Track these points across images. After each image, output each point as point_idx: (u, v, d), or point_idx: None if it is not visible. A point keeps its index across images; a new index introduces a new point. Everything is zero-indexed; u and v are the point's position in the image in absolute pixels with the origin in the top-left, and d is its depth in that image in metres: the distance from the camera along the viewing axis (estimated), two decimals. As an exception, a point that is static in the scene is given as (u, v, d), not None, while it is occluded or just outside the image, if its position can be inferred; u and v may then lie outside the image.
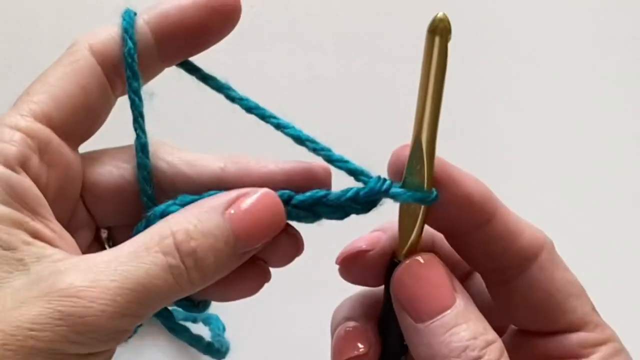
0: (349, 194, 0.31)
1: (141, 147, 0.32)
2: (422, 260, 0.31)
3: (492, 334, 0.30)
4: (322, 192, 0.32)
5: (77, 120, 0.31)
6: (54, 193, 0.30)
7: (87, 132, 0.32)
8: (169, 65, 0.33)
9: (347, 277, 0.35)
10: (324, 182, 0.33)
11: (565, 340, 0.33)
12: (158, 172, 0.33)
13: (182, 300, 0.34)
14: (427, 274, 0.31)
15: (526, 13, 0.58)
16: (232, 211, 0.30)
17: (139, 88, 0.32)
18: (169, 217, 0.30)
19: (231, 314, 0.50)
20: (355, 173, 0.32)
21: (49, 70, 0.31)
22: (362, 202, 0.31)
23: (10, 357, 0.26)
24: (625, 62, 0.58)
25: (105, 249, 0.35)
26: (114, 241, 0.35)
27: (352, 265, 0.34)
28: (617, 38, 0.58)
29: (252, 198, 0.30)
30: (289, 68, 0.55)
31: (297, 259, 0.34)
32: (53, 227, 0.29)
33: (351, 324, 0.33)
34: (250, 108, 0.33)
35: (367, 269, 0.34)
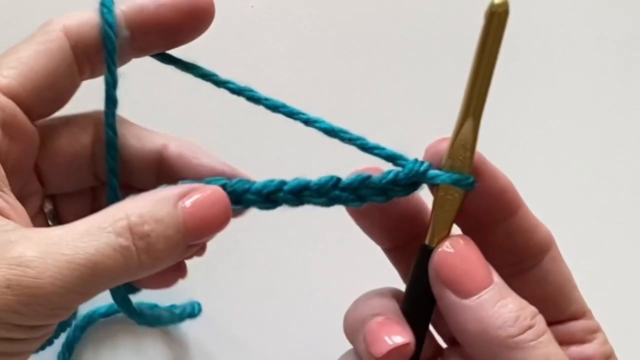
0: (390, 176, 0.33)
1: (110, 127, 0.34)
2: (462, 241, 0.32)
3: (532, 306, 0.32)
4: (365, 175, 0.33)
5: (42, 98, 0.32)
6: (12, 165, 0.31)
7: (50, 111, 0.33)
8: (140, 56, 0.34)
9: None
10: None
11: (572, 328, 0.35)
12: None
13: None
14: (468, 254, 0.32)
15: (525, 13, 0.58)
16: (184, 203, 0.31)
17: (117, 75, 0.33)
18: (124, 202, 0.31)
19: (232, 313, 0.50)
20: (393, 158, 0.33)
21: (21, 45, 0.32)
22: (403, 184, 0.33)
23: None
24: (625, 62, 0.58)
25: (47, 221, 0.36)
26: (57, 214, 0.37)
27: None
28: (617, 38, 0.58)
29: (204, 193, 0.32)
30: (289, 68, 0.55)
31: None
32: (7, 199, 0.30)
33: (380, 318, 0.33)
34: (277, 106, 0.34)
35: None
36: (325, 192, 0.33)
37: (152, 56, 0.35)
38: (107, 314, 0.47)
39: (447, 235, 0.33)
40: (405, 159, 0.33)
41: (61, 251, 0.27)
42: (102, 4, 0.32)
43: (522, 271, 0.34)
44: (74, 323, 0.47)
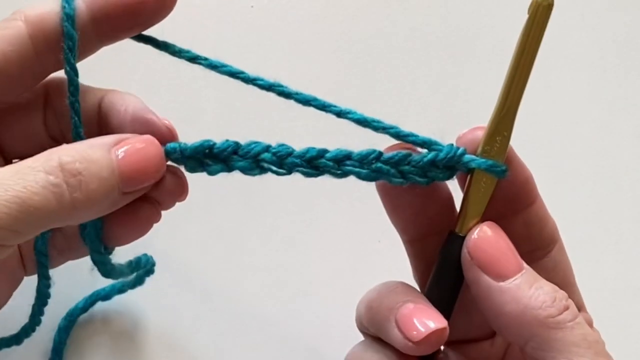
0: (429, 156, 0.34)
1: (75, 113, 0.34)
2: (493, 228, 0.34)
3: (563, 290, 0.33)
4: (406, 152, 0.34)
5: None
6: None
7: (6, 97, 0.34)
8: (106, 44, 0.34)
9: None
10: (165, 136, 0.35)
11: None
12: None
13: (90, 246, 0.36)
14: (500, 240, 0.33)
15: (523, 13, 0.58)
16: (118, 152, 0.32)
17: (75, 63, 0.33)
18: (58, 147, 0.31)
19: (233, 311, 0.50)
20: (428, 144, 0.34)
21: None
22: (442, 167, 0.34)
23: None
24: (626, 62, 0.58)
25: None
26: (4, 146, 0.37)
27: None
28: (617, 38, 0.58)
29: (136, 141, 0.32)
30: (289, 68, 0.55)
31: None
32: None
33: (412, 304, 0.34)
34: (309, 100, 0.35)
35: None
36: (367, 163, 0.33)
37: (133, 38, 0.35)
38: (86, 307, 0.47)
39: (477, 223, 0.34)
40: (441, 145, 0.34)
41: None
42: None
43: (534, 260, 0.35)
44: (57, 325, 0.47)
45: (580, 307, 0.37)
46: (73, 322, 0.47)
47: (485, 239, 0.33)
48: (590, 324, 0.37)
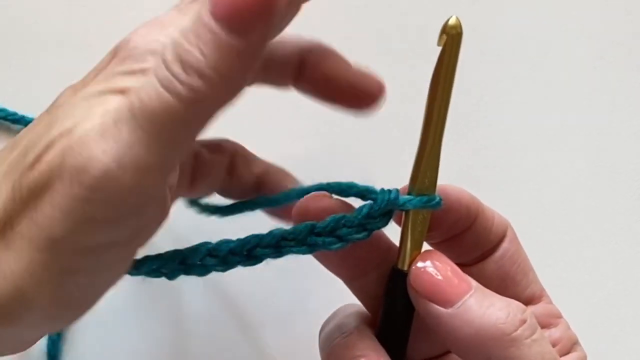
0: (364, 210, 0.32)
1: None
2: (433, 255, 0.33)
3: (518, 302, 0.32)
4: (339, 216, 0.32)
5: None
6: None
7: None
8: None
9: None
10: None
11: (535, 312, 0.35)
12: None
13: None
14: (441, 265, 0.32)
15: (524, 13, 0.58)
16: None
17: None
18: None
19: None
20: (362, 194, 0.33)
21: None
22: (378, 215, 0.32)
23: None
24: (626, 62, 0.58)
25: None
26: None
27: None
28: (617, 37, 0.58)
29: None
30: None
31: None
32: None
33: (346, 334, 0.33)
34: None
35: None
36: (302, 240, 0.32)
37: None
38: None
39: (418, 254, 0.33)
40: (374, 192, 0.33)
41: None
42: None
43: (486, 257, 0.35)
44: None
45: (541, 297, 0.36)
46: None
47: (425, 269, 0.32)
48: (557, 316, 0.36)
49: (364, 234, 0.32)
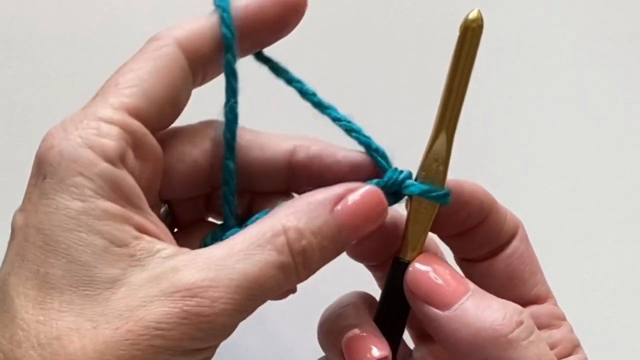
0: (372, 183, 0.32)
1: (229, 147, 0.33)
2: (431, 257, 0.33)
3: (515, 304, 0.32)
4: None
5: (163, 114, 0.31)
6: (145, 186, 0.31)
7: (167, 124, 0.33)
8: (242, 57, 0.33)
9: None
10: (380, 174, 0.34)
11: (538, 312, 0.35)
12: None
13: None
14: (438, 267, 0.33)
15: (524, 13, 0.58)
16: (340, 207, 0.30)
17: (237, 86, 0.32)
18: (278, 212, 0.30)
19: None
20: (378, 154, 0.33)
21: (134, 62, 0.31)
22: (384, 192, 0.32)
23: (138, 357, 0.26)
24: (625, 62, 0.58)
25: (165, 223, 0.34)
26: (173, 215, 0.36)
27: None
28: (617, 38, 0.58)
29: (359, 194, 0.31)
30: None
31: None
32: (153, 220, 0.30)
33: (357, 330, 0.33)
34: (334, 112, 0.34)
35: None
36: None
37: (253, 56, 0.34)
38: None
39: (422, 247, 0.33)
40: (386, 168, 0.33)
41: (229, 276, 0.28)
42: (220, 8, 0.31)
43: (496, 254, 0.35)
44: None
45: (547, 299, 0.36)
46: None
47: (422, 271, 0.33)
48: (561, 318, 0.36)
49: None
